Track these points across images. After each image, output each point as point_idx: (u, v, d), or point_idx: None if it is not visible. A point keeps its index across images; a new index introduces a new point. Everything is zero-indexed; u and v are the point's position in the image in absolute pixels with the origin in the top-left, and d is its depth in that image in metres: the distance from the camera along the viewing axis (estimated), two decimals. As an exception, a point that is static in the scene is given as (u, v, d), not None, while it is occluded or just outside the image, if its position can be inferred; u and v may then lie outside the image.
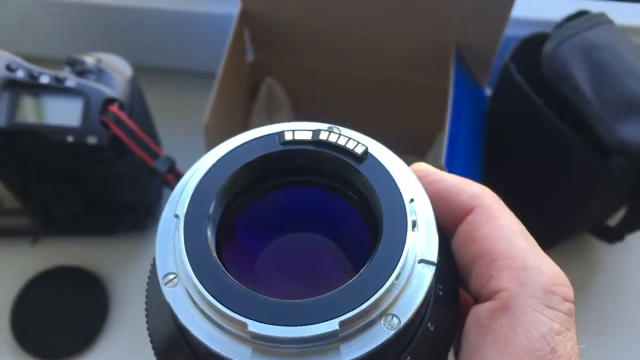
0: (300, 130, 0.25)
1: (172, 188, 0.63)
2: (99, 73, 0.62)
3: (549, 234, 0.68)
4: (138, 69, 0.66)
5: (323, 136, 0.24)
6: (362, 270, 0.21)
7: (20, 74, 0.59)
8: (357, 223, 0.25)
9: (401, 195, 0.23)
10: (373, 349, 0.20)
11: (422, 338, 0.23)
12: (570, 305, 0.23)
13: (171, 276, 0.22)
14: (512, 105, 0.65)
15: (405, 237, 0.22)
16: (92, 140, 0.59)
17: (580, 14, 0.64)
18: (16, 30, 0.84)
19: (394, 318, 0.21)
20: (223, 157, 0.24)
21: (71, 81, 0.60)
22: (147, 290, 0.25)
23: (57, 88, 0.59)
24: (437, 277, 0.23)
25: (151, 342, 0.24)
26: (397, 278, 0.21)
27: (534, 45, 0.63)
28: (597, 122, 0.57)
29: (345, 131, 0.25)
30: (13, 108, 0.59)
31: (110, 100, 0.60)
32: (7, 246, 0.75)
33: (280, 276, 0.25)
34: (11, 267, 0.73)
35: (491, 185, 0.27)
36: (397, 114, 0.74)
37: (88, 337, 0.69)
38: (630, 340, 0.70)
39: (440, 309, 0.24)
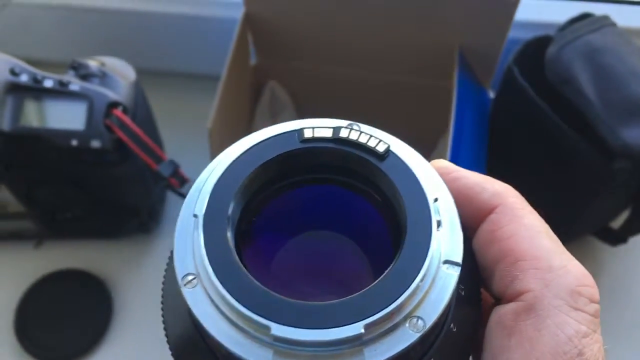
0: (319, 127, 0.24)
1: (175, 191, 0.63)
2: (103, 77, 0.62)
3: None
4: (142, 72, 0.66)
5: (344, 134, 0.24)
6: (386, 272, 0.21)
7: (24, 78, 0.59)
8: (379, 222, 0.24)
9: (425, 195, 0.22)
10: (397, 353, 0.20)
11: (445, 339, 0.22)
12: (596, 307, 0.23)
13: (190, 277, 0.21)
14: (515, 107, 0.65)
15: (430, 238, 0.21)
16: (96, 143, 0.59)
17: (584, 16, 0.64)
18: (20, 34, 0.84)
19: (419, 321, 0.20)
20: (241, 155, 0.24)
21: (75, 85, 0.60)
22: (163, 290, 0.24)
23: (61, 92, 0.59)
24: (460, 277, 0.22)
25: (168, 342, 0.23)
26: (422, 280, 0.21)
27: (538, 48, 0.63)
28: (600, 125, 0.57)
29: (366, 128, 0.24)
30: (17, 112, 0.59)
31: (114, 104, 0.60)
32: (11, 249, 0.75)
33: (300, 277, 0.25)
34: (15, 271, 0.73)
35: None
36: (401, 117, 0.74)
37: (92, 340, 0.69)
38: (634, 342, 0.70)
39: (462, 310, 0.23)
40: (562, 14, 0.66)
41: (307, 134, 0.24)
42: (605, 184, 0.60)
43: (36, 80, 0.59)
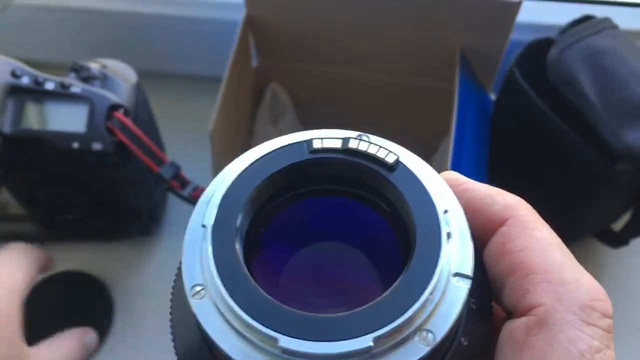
0: (328, 138, 0.24)
1: (177, 194, 0.63)
2: (104, 79, 0.62)
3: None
4: (143, 74, 0.66)
5: (353, 144, 0.23)
6: (395, 284, 0.21)
7: (25, 80, 0.59)
8: (388, 234, 0.24)
9: (434, 206, 0.22)
10: None
11: (455, 353, 0.22)
12: (609, 322, 0.22)
13: (198, 288, 0.21)
14: (517, 110, 0.65)
15: (440, 250, 0.21)
16: (97, 146, 0.59)
17: (585, 18, 0.64)
18: (21, 36, 0.84)
19: (429, 334, 0.20)
20: (250, 165, 0.23)
21: (76, 87, 0.60)
22: (171, 300, 0.24)
23: (62, 94, 0.59)
24: (470, 291, 0.22)
25: (176, 354, 0.23)
26: (431, 293, 0.20)
27: (539, 50, 0.63)
28: (602, 127, 0.57)
29: (375, 139, 0.24)
30: (18, 114, 0.59)
31: (115, 106, 0.60)
32: (12, 252, 0.75)
33: (309, 288, 0.25)
34: (16, 273, 0.73)
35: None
36: (402, 119, 0.74)
37: (93, 342, 0.69)
38: (636, 344, 0.70)
39: (473, 324, 0.23)
40: (563, 16, 0.66)
41: (316, 144, 0.24)
42: (606, 185, 0.60)
43: (37, 83, 0.59)
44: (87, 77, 0.61)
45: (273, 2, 0.67)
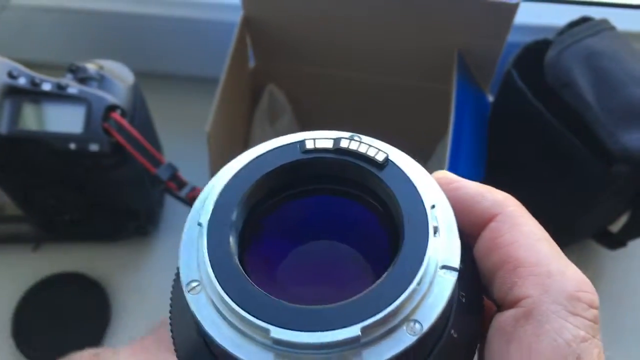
0: (321, 138, 0.25)
1: (174, 195, 0.63)
2: (101, 80, 0.62)
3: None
4: (140, 75, 0.66)
5: (344, 144, 0.24)
6: (383, 276, 0.21)
7: (22, 81, 0.59)
8: (378, 230, 0.25)
9: (422, 202, 0.23)
10: (395, 355, 0.20)
11: (445, 346, 0.23)
12: (595, 312, 0.23)
13: (194, 284, 0.22)
14: (515, 111, 0.65)
15: (427, 243, 0.22)
16: (94, 147, 0.59)
17: (583, 20, 0.64)
18: (18, 37, 0.84)
19: (416, 324, 0.21)
20: (245, 166, 0.24)
21: (73, 88, 0.60)
22: (171, 299, 0.25)
23: (59, 95, 0.59)
24: (460, 285, 0.23)
25: (175, 350, 0.24)
26: (418, 284, 0.21)
27: (537, 51, 0.63)
28: (599, 129, 0.57)
29: (366, 139, 0.25)
30: (15, 115, 0.59)
31: (112, 107, 0.60)
32: (9, 253, 0.75)
33: (301, 283, 0.25)
34: (13, 274, 0.73)
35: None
36: (400, 120, 0.74)
37: (90, 343, 0.68)
38: (632, 347, 0.70)
39: (463, 317, 0.24)
40: (561, 17, 0.66)
41: (309, 145, 0.25)
42: (603, 187, 0.60)
43: (34, 84, 0.59)
44: (84, 78, 0.61)
45: (270, 3, 0.67)
